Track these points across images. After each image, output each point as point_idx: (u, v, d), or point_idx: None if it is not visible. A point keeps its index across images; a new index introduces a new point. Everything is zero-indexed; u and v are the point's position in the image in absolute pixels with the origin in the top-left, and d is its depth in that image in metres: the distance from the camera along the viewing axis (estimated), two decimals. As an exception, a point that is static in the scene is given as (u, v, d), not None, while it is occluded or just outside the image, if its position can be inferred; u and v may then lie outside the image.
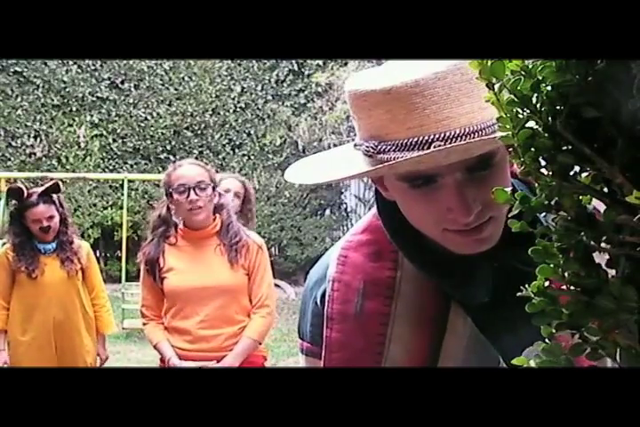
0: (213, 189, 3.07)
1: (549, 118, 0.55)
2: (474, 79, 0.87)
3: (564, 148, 0.55)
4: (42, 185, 3.91)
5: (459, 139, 0.89)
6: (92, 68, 11.67)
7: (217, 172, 3.41)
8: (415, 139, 0.91)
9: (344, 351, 1.05)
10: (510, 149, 0.62)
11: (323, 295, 1.10)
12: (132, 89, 11.82)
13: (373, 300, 1.04)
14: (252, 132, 12.01)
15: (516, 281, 0.92)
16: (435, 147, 0.90)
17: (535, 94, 0.55)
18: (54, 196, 3.75)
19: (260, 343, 3.13)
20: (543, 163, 0.56)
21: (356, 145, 0.99)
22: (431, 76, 0.90)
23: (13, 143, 11.39)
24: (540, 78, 0.54)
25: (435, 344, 1.01)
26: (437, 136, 0.90)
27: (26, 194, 3.67)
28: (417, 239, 1.01)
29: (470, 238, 0.96)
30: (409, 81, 0.90)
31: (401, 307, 1.03)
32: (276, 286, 4.03)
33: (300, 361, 1.20)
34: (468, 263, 1.00)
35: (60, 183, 3.86)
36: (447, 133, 0.90)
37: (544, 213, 0.59)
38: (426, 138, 0.90)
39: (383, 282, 1.04)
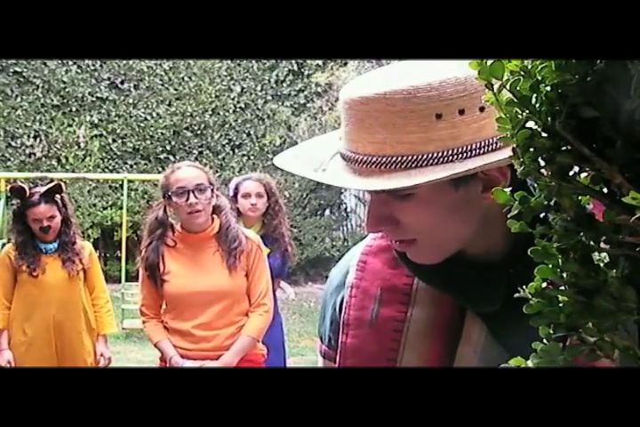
0: (212, 191, 3.05)
1: (549, 118, 0.55)
2: (402, 113, 0.87)
3: (564, 148, 0.55)
4: (42, 185, 3.92)
5: (359, 164, 0.91)
6: (92, 68, 11.66)
7: (216, 172, 3.43)
8: (341, 149, 0.95)
9: (358, 357, 1.05)
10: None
11: (342, 302, 1.10)
12: (132, 89, 11.81)
13: (389, 306, 1.04)
14: (251, 132, 12.00)
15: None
16: (345, 164, 0.94)
17: (534, 94, 0.55)
18: (57, 196, 3.75)
19: (259, 341, 3.14)
20: (542, 163, 0.56)
21: None
22: (357, 97, 0.91)
23: (13, 143, 11.38)
24: (540, 78, 0.54)
25: (449, 352, 1.00)
26: (346, 155, 0.93)
27: (28, 193, 3.68)
28: None
29: (405, 251, 0.99)
30: (346, 97, 0.93)
31: (416, 314, 1.02)
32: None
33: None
34: (472, 272, 0.99)
35: (63, 184, 3.86)
36: (352, 156, 0.92)
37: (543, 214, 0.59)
38: (341, 151, 0.95)
39: (400, 289, 1.04)
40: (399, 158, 0.88)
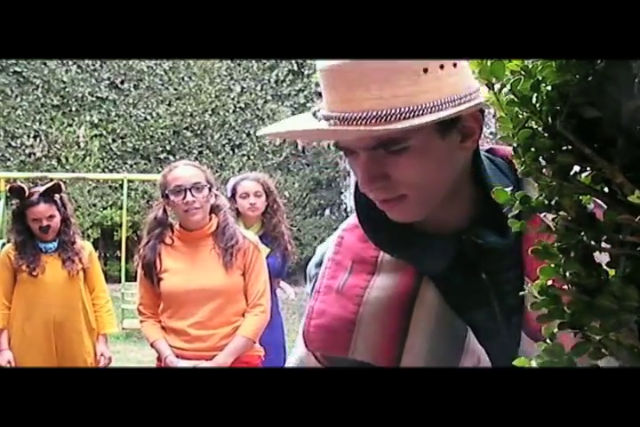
0: (209, 189, 3.06)
1: (549, 118, 0.55)
2: (396, 69, 0.95)
3: (564, 148, 0.55)
4: (42, 185, 3.92)
5: (357, 121, 0.97)
6: (92, 68, 11.67)
7: (216, 172, 3.44)
8: (328, 113, 1.01)
9: (322, 318, 1.15)
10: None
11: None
12: (132, 89, 11.82)
13: (356, 276, 1.14)
14: (251, 132, 12.00)
15: (487, 256, 1.06)
16: (331, 124, 0.99)
17: (535, 94, 0.55)
18: (56, 196, 3.75)
19: (255, 342, 3.12)
20: (543, 163, 0.56)
21: None
22: (349, 60, 0.97)
23: (13, 143, 11.38)
24: (540, 78, 0.54)
25: (405, 315, 1.10)
26: (339, 115, 0.98)
27: (27, 193, 3.68)
28: (369, 212, 1.11)
29: (390, 210, 1.06)
30: (334, 62, 0.98)
31: (378, 282, 1.12)
32: (276, 285, 4.04)
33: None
34: (417, 235, 1.10)
35: (62, 184, 3.86)
36: (348, 115, 0.98)
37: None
38: (331, 114, 1.00)
39: (368, 261, 1.14)
40: (396, 110, 0.96)
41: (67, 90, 11.52)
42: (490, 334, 1.06)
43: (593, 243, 0.55)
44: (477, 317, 1.07)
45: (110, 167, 11.64)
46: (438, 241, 1.08)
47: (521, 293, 0.59)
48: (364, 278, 1.13)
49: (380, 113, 0.95)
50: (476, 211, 1.08)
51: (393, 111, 0.95)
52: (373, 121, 0.96)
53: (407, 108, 0.96)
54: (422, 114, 0.96)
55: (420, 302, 1.09)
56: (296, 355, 1.22)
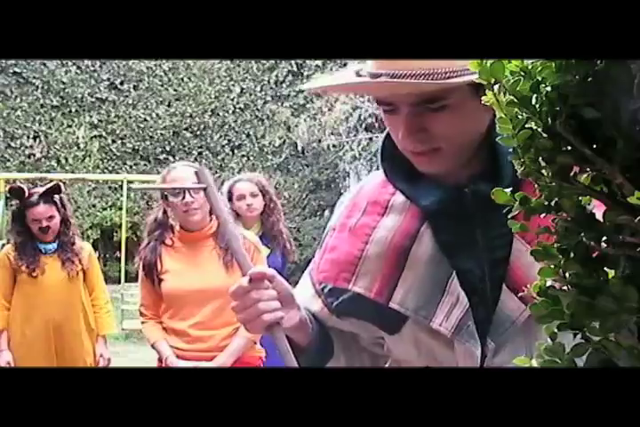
0: None
1: (549, 119, 0.55)
2: None
3: (564, 148, 0.55)
4: (42, 186, 3.92)
5: (406, 78, 1.10)
6: (92, 68, 11.67)
7: (216, 173, 3.43)
8: (376, 71, 1.13)
9: (333, 253, 1.30)
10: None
11: None
12: (132, 90, 11.82)
13: (368, 216, 1.28)
14: (251, 132, 12.01)
15: (483, 210, 1.15)
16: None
17: (535, 95, 0.55)
18: (56, 196, 3.75)
19: (255, 342, 3.12)
20: (543, 164, 0.56)
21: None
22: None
23: (12, 144, 11.38)
24: (540, 79, 0.54)
25: (404, 253, 1.23)
26: (389, 72, 1.11)
27: (27, 194, 3.68)
28: (393, 156, 1.24)
29: (422, 162, 1.19)
30: None
31: (386, 222, 1.26)
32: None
33: None
34: (428, 179, 1.22)
35: (62, 185, 3.86)
36: (398, 72, 1.10)
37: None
38: (379, 72, 1.12)
39: (380, 203, 1.29)
40: (440, 70, 1.09)
41: (66, 91, 11.52)
42: (473, 282, 1.18)
43: (593, 244, 0.55)
44: (465, 265, 1.19)
45: (110, 168, 11.64)
46: (443, 186, 1.21)
47: (520, 294, 0.58)
48: (375, 219, 1.27)
49: (426, 71, 1.08)
50: (482, 171, 1.21)
51: (437, 71, 1.08)
52: (421, 78, 1.08)
53: (449, 69, 1.09)
54: (462, 75, 1.08)
55: (418, 245, 1.22)
56: (300, 287, 1.35)
